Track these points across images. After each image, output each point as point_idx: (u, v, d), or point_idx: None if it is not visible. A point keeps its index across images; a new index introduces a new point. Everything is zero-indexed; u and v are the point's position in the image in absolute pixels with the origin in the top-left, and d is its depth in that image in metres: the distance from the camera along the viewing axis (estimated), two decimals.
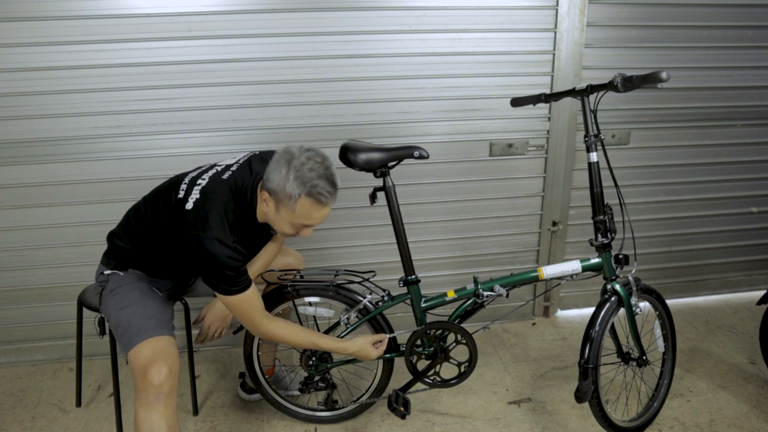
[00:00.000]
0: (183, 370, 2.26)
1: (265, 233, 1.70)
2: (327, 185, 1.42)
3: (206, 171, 1.57)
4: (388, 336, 1.79)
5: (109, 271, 1.64)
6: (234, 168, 1.56)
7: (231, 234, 1.45)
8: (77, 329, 1.98)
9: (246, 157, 1.61)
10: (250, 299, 1.52)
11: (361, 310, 1.79)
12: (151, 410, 1.39)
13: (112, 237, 1.68)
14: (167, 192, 1.55)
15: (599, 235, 1.71)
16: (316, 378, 1.90)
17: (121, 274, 1.63)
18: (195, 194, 1.47)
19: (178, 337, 2.20)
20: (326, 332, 1.86)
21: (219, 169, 1.57)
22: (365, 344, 1.72)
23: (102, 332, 1.74)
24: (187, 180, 1.55)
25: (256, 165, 1.58)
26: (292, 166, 1.40)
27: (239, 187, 1.51)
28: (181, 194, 1.50)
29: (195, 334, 2.15)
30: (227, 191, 1.49)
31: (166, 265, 1.65)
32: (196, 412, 2.06)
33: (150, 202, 1.59)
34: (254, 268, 1.75)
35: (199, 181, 1.52)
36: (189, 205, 1.45)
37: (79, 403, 2.10)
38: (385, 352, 1.85)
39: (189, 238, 1.42)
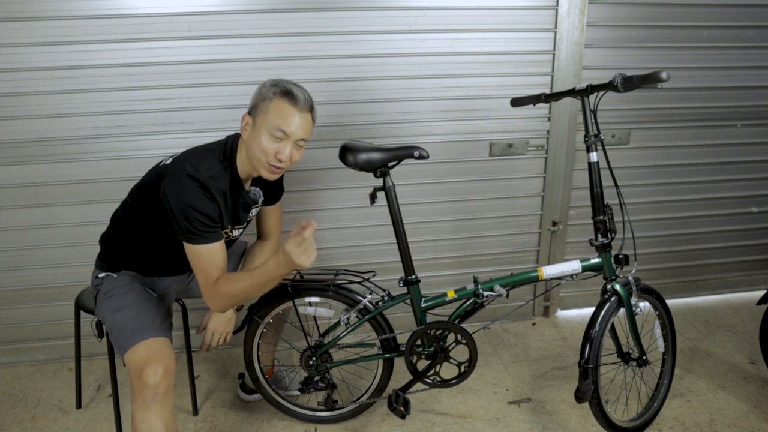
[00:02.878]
0: (182, 371, 2.26)
1: (247, 200, 1.66)
2: (299, 89, 1.50)
3: None
4: (311, 227, 1.43)
5: (102, 274, 1.65)
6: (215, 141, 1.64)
7: (206, 172, 1.47)
8: (75, 331, 1.97)
9: None
10: (216, 252, 1.49)
11: (361, 310, 1.79)
12: (148, 411, 1.39)
13: (103, 238, 1.68)
14: (150, 174, 1.58)
15: (599, 235, 1.71)
16: (316, 378, 1.90)
17: (115, 276, 1.63)
18: (175, 156, 1.55)
19: (177, 337, 2.20)
20: (326, 332, 1.86)
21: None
22: (287, 248, 1.41)
23: (100, 335, 1.74)
24: (169, 155, 1.60)
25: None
26: (267, 81, 1.53)
27: (220, 144, 1.59)
28: (163, 162, 1.56)
29: (194, 335, 2.15)
30: (207, 149, 1.56)
31: (159, 259, 1.65)
32: (196, 412, 2.06)
33: (136, 192, 1.61)
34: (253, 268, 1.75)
35: (181, 150, 1.58)
36: (168, 161, 1.53)
37: (79, 405, 2.10)
38: (385, 351, 1.85)
39: (163, 186, 1.45)
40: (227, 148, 1.57)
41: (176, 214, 1.44)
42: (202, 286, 1.51)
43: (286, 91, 1.48)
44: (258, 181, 1.68)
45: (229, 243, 1.74)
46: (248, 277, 1.49)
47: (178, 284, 1.81)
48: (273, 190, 1.75)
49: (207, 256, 1.48)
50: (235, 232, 1.69)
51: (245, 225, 1.73)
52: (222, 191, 1.51)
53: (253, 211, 1.73)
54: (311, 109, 1.53)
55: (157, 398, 1.39)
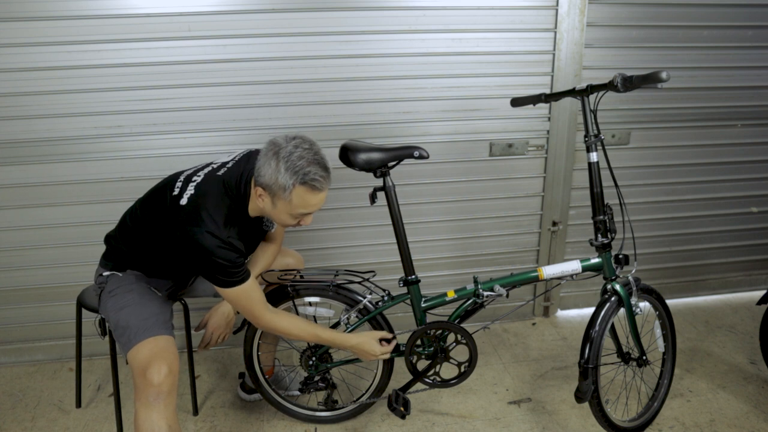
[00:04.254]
0: (183, 371, 2.26)
1: (258, 228, 1.70)
2: (319, 170, 1.41)
3: (202, 168, 1.58)
4: (395, 335, 1.79)
5: (107, 273, 1.65)
6: (230, 164, 1.57)
7: (225, 227, 1.46)
8: (76, 330, 1.98)
9: (242, 154, 1.62)
10: (250, 291, 1.54)
11: (361, 310, 1.79)
12: (151, 410, 1.39)
13: (109, 239, 1.68)
14: (162, 191, 1.55)
15: (599, 235, 1.71)
16: (316, 378, 1.90)
17: (120, 275, 1.63)
18: (190, 190, 1.49)
19: (178, 337, 2.19)
20: None
21: (215, 166, 1.58)
22: (369, 339, 1.72)
23: (103, 333, 1.74)
24: (182, 178, 1.56)
25: (251, 161, 1.58)
26: (281, 157, 1.39)
27: (233, 182, 1.52)
28: (176, 191, 1.50)
29: (195, 335, 2.15)
30: (221, 186, 1.50)
31: (164, 265, 1.65)
32: (196, 412, 2.06)
33: (145, 203, 1.60)
34: (254, 270, 1.75)
35: (195, 178, 1.53)
36: (183, 201, 1.46)
37: (79, 404, 2.10)
38: None
39: (183, 233, 1.43)
40: (241, 189, 1.52)
41: (207, 270, 1.46)
42: (251, 320, 1.61)
43: (306, 182, 1.40)
44: None
45: None
46: (314, 330, 1.65)
47: (181, 283, 1.81)
48: None
49: (246, 296, 1.53)
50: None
51: None
52: (240, 239, 1.52)
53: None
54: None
55: (161, 397, 1.39)
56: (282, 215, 1.49)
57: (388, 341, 1.77)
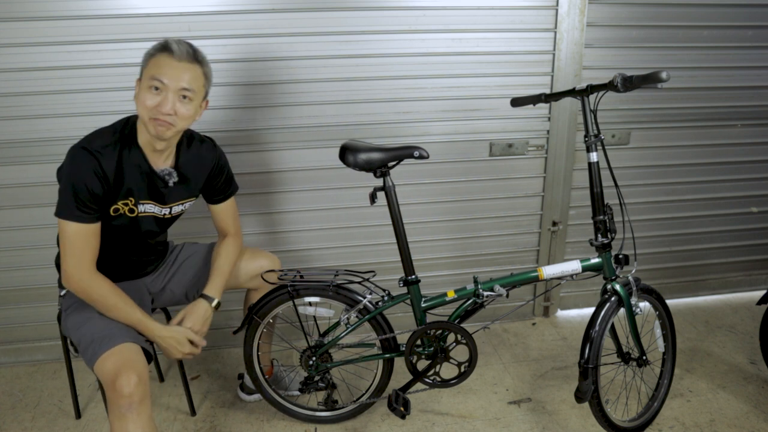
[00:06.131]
0: (179, 373, 2.26)
1: (160, 181, 1.59)
2: (179, 41, 1.47)
3: None
4: (202, 344, 1.65)
5: (63, 292, 1.64)
6: None
7: (95, 145, 1.46)
8: (63, 347, 1.92)
9: None
10: (89, 234, 1.44)
11: (361, 310, 1.79)
12: (126, 421, 1.37)
13: (56, 259, 1.66)
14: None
15: (599, 235, 1.71)
16: (316, 378, 1.90)
17: None
18: None
19: None
20: (326, 332, 1.86)
21: None
22: (182, 337, 1.58)
23: (77, 350, 1.69)
24: None
25: None
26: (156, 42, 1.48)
27: (122, 120, 1.56)
28: None
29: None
30: (110, 125, 1.55)
31: (108, 262, 1.60)
32: (193, 412, 2.06)
33: None
34: (222, 267, 1.72)
35: None
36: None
37: (78, 415, 2.06)
38: (385, 351, 1.85)
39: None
40: (130, 120, 1.55)
41: (60, 189, 1.43)
42: (73, 264, 1.45)
43: (162, 45, 1.45)
44: (192, 170, 1.64)
45: (165, 222, 1.68)
46: (118, 304, 1.50)
47: (147, 286, 1.78)
48: (214, 185, 1.72)
49: (78, 236, 1.43)
50: (156, 209, 1.61)
51: (175, 207, 1.66)
52: (117, 159, 1.47)
53: (178, 193, 1.64)
54: (194, 59, 1.49)
55: (133, 407, 1.37)
56: (143, 93, 1.45)
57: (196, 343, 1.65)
